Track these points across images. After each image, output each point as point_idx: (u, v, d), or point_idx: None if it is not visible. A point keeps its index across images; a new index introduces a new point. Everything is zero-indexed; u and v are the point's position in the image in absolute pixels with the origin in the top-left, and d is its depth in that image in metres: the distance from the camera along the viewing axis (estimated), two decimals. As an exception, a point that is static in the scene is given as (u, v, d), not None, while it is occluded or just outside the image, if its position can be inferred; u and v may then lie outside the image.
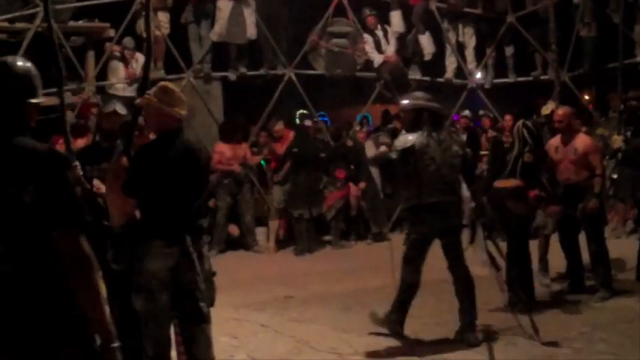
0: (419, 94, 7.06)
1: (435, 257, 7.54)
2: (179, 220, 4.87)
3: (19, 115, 2.93)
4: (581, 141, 7.91)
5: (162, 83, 5.23)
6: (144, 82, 5.40)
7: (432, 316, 7.45)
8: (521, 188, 7.51)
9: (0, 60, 3.03)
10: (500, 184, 7.61)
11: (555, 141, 8.03)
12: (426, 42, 13.44)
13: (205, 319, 4.98)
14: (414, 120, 6.75)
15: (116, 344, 2.83)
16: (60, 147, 11.31)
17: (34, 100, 2.98)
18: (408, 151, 6.60)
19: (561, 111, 8.13)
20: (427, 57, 13.53)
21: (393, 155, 6.77)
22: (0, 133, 2.86)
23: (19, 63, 3.02)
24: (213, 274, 5.16)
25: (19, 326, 2.73)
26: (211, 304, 5.19)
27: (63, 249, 2.75)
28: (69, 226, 2.76)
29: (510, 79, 13.88)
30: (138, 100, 5.13)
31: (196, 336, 4.94)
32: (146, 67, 5.58)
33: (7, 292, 2.74)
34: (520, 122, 7.74)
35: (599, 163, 7.85)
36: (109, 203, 5.47)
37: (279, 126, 12.08)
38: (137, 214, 5.18)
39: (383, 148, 7.47)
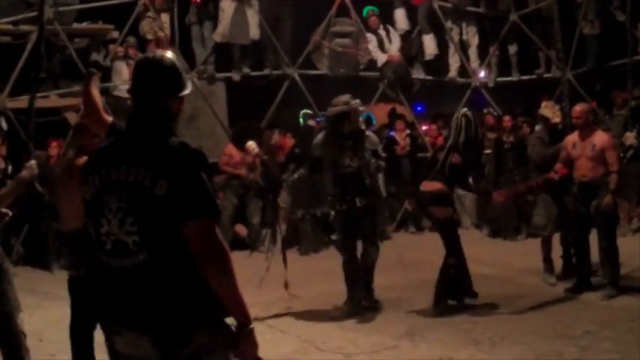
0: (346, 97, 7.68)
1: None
2: None
3: (169, 108, 3.08)
4: (599, 137, 7.90)
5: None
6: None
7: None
8: (443, 193, 7.56)
9: (152, 56, 3.18)
10: (425, 186, 7.64)
11: (573, 137, 8.03)
12: (429, 42, 13.43)
13: None
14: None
15: (252, 326, 2.97)
16: (54, 149, 11.38)
17: (182, 94, 3.13)
18: None
19: (579, 107, 8.14)
20: (428, 57, 13.52)
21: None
22: (152, 128, 3.01)
23: (169, 57, 3.14)
24: None
25: (155, 310, 2.89)
26: None
27: (197, 237, 2.87)
28: (203, 216, 2.88)
29: (514, 78, 13.86)
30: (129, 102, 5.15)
31: None
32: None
33: (144, 279, 2.91)
34: (461, 112, 7.73)
35: (615, 159, 7.83)
36: (62, 207, 5.46)
37: (275, 137, 11.95)
38: None
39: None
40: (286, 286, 7.86)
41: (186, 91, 3.12)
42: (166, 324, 2.88)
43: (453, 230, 7.78)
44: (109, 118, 4.64)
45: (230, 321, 2.97)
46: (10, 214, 5.81)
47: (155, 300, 2.89)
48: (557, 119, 8.83)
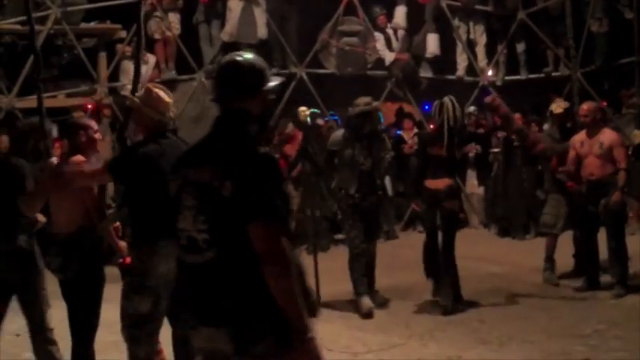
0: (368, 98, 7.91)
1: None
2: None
3: (247, 110, 3.16)
4: (607, 135, 7.89)
5: (147, 85, 5.20)
6: (134, 87, 5.48)
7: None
8: (453, 187, 7.68)
9: (229, 59, 3.25)
10: (431, 184, 7.63)
11: (580, 136, 8.01)
12: (431, 41, 13.37)
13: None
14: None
15: (310, 335, 2.97)
16: (57, 150, 11.43)
17: (261, 93, 3.20)
18: None
19: (586, 105, 8.13)
20: (429, 55, 13.45)
21: None
22: (228, 130, 3.13)
23: (247, 58, 3.23)
24: None
25: (231, 306, 2.99)
26: None
27: (259, 239, 2.92)
28: (264, 218, 2.92)
29: (522, 76, 13.80)
30: (127, 102, 5.17)
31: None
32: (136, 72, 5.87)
33: (212, 276, 3.02)
34: (445, 99, 7.73)
35: (623, 157, 7.82)
36: (54, 209, 5.45)
37: (289, 126, 12.05)
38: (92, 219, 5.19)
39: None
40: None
41: (269, 88, 3.20)
42: (243, 320, 2.97)
43: (456, 225, 7.91)
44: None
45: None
46: (45, 220, 5.86)
47: (228, 295, 2.98)
48: (559, 110, 8.81)
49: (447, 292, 7.47)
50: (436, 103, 7.69)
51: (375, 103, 8.02)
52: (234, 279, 2.98)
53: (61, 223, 5.36)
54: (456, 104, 7.58)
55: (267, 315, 2.96)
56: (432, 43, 13.38)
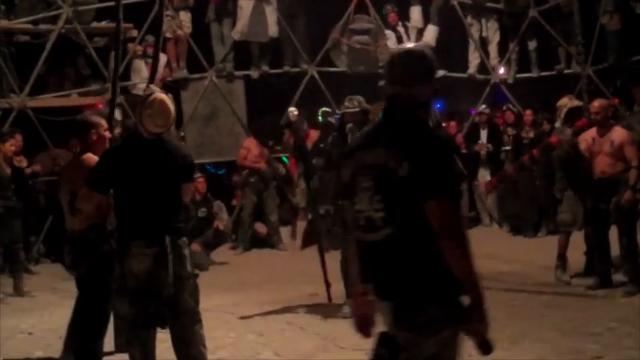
0: (360, 97, 7.68)
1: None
2: (157, 220, 4.79)
3: (419, 96, 3.29)
4: (618, 133, 7.86)
5: (157, 95, 4.99)
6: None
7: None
8: None
9: (404, 48, 3.46)
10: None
11: (591, 133, 7.98)
12: (430, 33, 13.25)
13: (193, 320, 4.90)
14: (363, 121, 7.34)
15: (485, 305, 3.09)
16: (75, 148, 11.47)
17: (431, 82, 3.35)
18: None
19: (598, 103, 8.09)
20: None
21: None
22: (402, 115, 3.26)
23: (419, 48, 3.45)
24: (196, 275, 5.06)
25: (395, 279, 3.17)
26: (196, 304, 5.04)
27: (436, 216, 3.05)
28: (441, 196, 3.06)
29: (534, 74, 13.76)
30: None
31: (188, 336, 4.88)
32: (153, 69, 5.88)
33: (388, 252, 3.17)
34: None
35: (634, 154, 7.78)
36: (64, 207, 5.48)
37: (305, 125, 12.02)
38: (109, 217, 5.21)
39: None
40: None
41: (436, 77, 3.37)
42: (403, 293, 3.13)
43: None
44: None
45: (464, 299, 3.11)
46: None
47: (396, 270, 3.16)
48: (565, 106, 8.81)
49: None
50: None
51: (359, 105, 7.68)
52: (408, 253, 3.13)
53: (72, 221, 5.40)
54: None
55: (434, 288, 3.11)
56: (429, 35, 13.25)
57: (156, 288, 4.75)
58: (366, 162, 3.24)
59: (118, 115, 6.55)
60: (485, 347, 3.11)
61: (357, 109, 7.59)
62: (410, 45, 3.54)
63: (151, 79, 6.52)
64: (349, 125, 7.50)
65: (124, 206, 4.88)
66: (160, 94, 4.97)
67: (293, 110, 7.67)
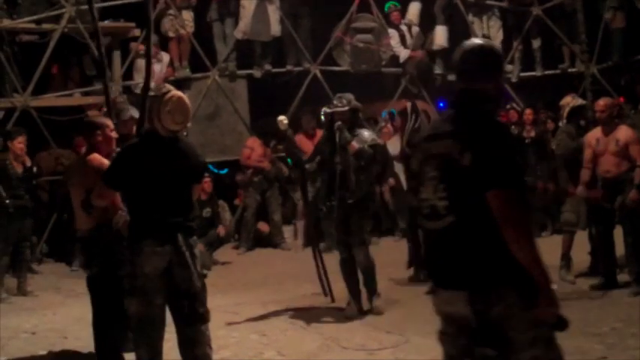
0: (349, 95, 7.59)
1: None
2: (169, 219, 4.79)
3: (485, 91, 3.41)
4: (623, 132, 7.83)
5: (175, 93, 4.98)
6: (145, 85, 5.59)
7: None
8: None
9: (473, 44, 3.54)
10: None
11: (595, 133, 7.95)
12: (440, 33, 13.27)
13: (203, 319, 4.91)
14: (352, 120, 7.43)
15: (554, 286, 3.24)
16: (81, 148, 11.46)
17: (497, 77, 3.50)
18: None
19: (603, 101, 8.06)
20: (436, 48, 13.34)
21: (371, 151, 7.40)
22: (468, 108, 3.38)
23: (489, 44, 3.59)
24: (204, 275, 5.07)
25: (467, 268, 3.25)
26: (204, 304, 5.03)
27: (498, 205, 3.16)
28: (503, 186, 3.17)
29: (537, 73, 13.71)
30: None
31: (195, 337, 4.87)
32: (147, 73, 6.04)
33: (452, 240, 3.29)
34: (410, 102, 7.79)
35: (639, 154, 7.76)
36: (74, 207, 5.48)
37: (313, 123, 11.95)
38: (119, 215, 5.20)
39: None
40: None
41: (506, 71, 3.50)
42: (478, 282, 3.22)
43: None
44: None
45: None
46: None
47: (466, 259, 3.24)
48: (568, 105, 8.79)
49: None
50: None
51: (348, 103, 7.51)
52: (473, 241, 3.23)
53: (82, 220, 5.41)
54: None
55: (505, 277, 3.20)
56: (440, 36, 13.25)
57: (170, 287, 4.77)
58: (432, 152, 3.38)
59: (135, 113, 6.50)
60: (561, 325, 3.26)
61: (345, 108, 7.45)
62: (480, 40, 3.68)
63: (146, 84, 6.47)
64: (337, 123, 7.40)
65: (138, 205, 4.89)
66: (178, 92, 4.98)
67: (283, 119, 7.59)
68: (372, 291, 7.61)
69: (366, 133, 7.54)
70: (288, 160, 12.51)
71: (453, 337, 3.33)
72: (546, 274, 3.20)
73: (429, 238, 3.45)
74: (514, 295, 3.19)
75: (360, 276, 7.56)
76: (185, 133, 11.18)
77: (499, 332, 3.24)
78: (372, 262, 7.54)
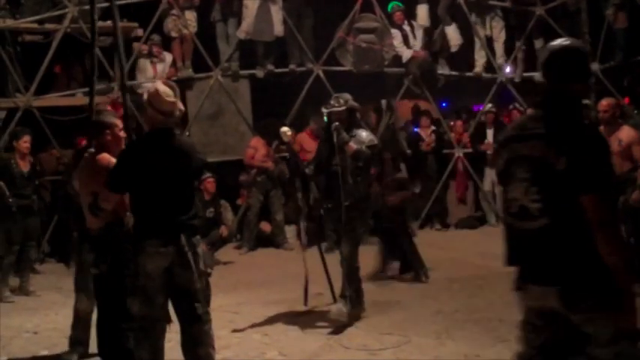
0: (347, 95, 7.52)
1: (469, 253, 7.49)
2: (172, 219, 4.81)
3: (574, 92, 3.48)
4: (626, 132, 7.83)
5: (155, 83, 5.12)
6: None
7: (463, 312, 7.39)
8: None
9: (563, 45, 3.60)
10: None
11: None
12: (452, 33, 13.29)
13: (204, 319, 4.92)
14: (349, 120, 7.36)
15: (635, 297, 3.28)
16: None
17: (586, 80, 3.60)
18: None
19: (606, 101, 8.06)
20: (454, 48, 13.34)
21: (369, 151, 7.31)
22: (559, 110, 3.42)
23: (575, 46, 3.63)
24: (208, 274, 5.09)
25: (561, 266, 3.34)
26: (207, 304, 5.11)
27: (590, 208, 3.24)
28: (598, 191, 3.25)
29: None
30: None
31: (198, 337, 4.88)
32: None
33: (545, 240, 3.37)
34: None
35: None
36: (83, 205, 5.49)
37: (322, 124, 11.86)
38: (127, 216, 5.20)
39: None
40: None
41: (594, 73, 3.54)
42: (571, 278, 3.31)
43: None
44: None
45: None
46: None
47: (559, 258, 3.33)
48: None
49: None
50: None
51: (345, 103, 7.44)
52: (566, 243, 3.32)
53: (91, 220, 5.41)
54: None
55: (595, 276, 3.27)
56: (453, 35, 13.28)
57: (172, 287, 4.78)
58: (522, 153, 3.43)
59: (113, 119, 6.51)
60: (632, 336, 3.27)
61: (342, 108, 7.39)
62: (567, 40, 3.68)
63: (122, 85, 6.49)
64: (335, 124, 7.34)
65: (140, 205, 4.90)
66: (158, 83, 5.06)
67: (286, 131, 7.57)
68: (343, 291, 7.36)
69: (364, 134, 7.49)
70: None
71: (540, 328, 3.48)
72: (631, 283, 3.27)
73: (519, 236, 3.49)
74: (603, 293, 3.26)
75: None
76: (187, 133, 11.28)
77: (581, 328, 3.33)
78: (354, 263, 7.33)
